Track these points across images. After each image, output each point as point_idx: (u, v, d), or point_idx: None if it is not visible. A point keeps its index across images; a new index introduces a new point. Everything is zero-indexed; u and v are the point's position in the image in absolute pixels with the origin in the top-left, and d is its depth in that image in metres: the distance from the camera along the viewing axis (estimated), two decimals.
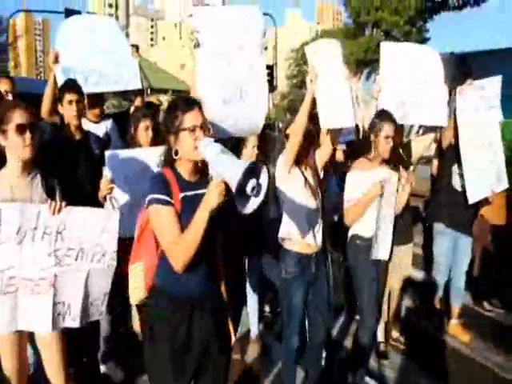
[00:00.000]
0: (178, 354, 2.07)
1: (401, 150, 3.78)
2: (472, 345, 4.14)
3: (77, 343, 3.49)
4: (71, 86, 3.29)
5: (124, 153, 3.27)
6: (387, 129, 3.18)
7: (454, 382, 3.57)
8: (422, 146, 3.81)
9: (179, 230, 1.95)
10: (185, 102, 2.06)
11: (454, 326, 4.30)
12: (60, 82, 3.63)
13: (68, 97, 3.20)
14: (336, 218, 3.61)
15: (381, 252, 3.23)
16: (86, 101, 3.42)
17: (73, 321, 2.35)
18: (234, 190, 1.71)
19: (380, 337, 3.95)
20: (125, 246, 3.21)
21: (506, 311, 4.76)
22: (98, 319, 3.30)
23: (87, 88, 3.63)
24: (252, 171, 1.77)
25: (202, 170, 2.10)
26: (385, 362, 3.79)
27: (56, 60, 3.70)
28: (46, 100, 3.63)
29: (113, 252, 2.40)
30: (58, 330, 2.41)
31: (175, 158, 2.04)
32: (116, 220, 2.41)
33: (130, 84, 3.97)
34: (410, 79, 3.61)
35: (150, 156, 3.24)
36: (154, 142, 3.40)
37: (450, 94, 4.20)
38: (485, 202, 4.19)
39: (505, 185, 4.06)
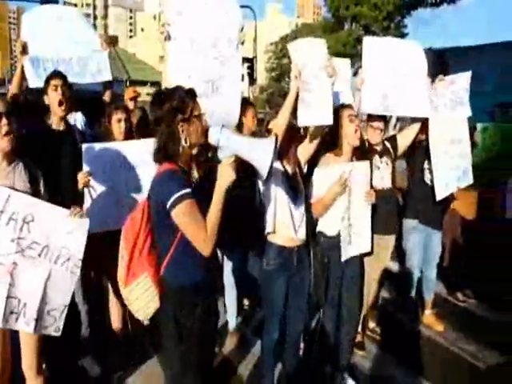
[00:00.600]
0: (206, 348, 2.24)
1: (387, 143, 3.81)
2: (446, 335, 4.23)
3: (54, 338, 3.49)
4: (54, 72, 3.29)
5: (101, 145, 3.25)
6: (349, 111, 3.16)
7: (429, 371, 3.64)
8: (407, 139, 3.82)
9: (204, 219, 2.03)
10: (190, 90, 2.13)
11: (427, 316, 4.39)
12: (28, 72, 3.57)
13: (53, 82, 3.18)
14: None
15: (356, 249, 3.23)
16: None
17: (26, 324, 2.25)
18: (266, 164, 1.91)
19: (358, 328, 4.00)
20: (101, 241, 3.23)
21: (478, 301, 4.88)
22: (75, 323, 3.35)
23: None
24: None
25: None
26: (360, 353, 3.84)
27: (24, 50, 3.63)
28: (13, 90, 3.58)
29: (78, 259, 2.31)
30: (8, 328, 2.34)
31: (185, 145, 2.07)
32: (85, 228, 2.33)
33: (99, 76, 3.92)
34: (392, 72, 3.63)
35: (126, 148, 3.24)
36: (127, 133, 3.42)
37: None
38: (452, 197, 4.25)
39: (469, 180, 4.10)
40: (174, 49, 2.89)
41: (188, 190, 1.99)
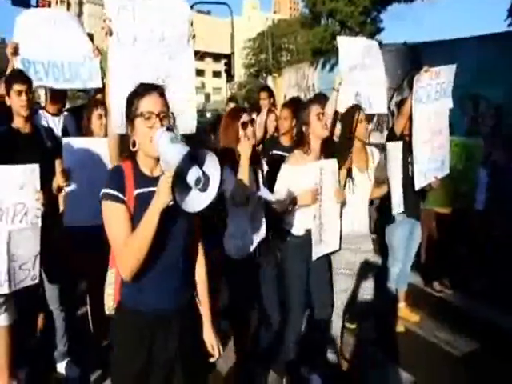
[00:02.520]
0: (137, 380, 1.86)
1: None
2: (422, 324, 4.32)
3: (31, 342, 3.46)
4: (18, 75, 3.19)
5: (81, 141, 3.27)
6: (317, 109, 3.14)
7: (405, 360, 3.72)
8: None
9: (128, 232, 1.75)
10: (143, 86, 1.87)
11: (402, 308, 4.43)
12: None
13: (16, 87, 3.08)
14: None
15: (326, 247, 3.20)
16: (42, 91, 3.37)
17: (0, 287, 2.25)
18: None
19: None
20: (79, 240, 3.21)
21: (453, 291, 5.01)
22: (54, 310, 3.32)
23: (48, 82, 3.64)
24: (198, 160, 1.57)
25: None
26: None
27: (15, 52, 3.60)
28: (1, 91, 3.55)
29: (35, 209, 2.30)
30: None
31: (133, 149, 1.84)
32: (36, 174, 2.31)
33: (90, 82, 3.90)
34: (362, 70, 3.75)
35: (105, 144, 3.21)
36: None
37: (402, 83, 4.31)
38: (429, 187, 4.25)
39: (447, 170, 4.17)
40: (114, 46, 2.63)
41: (113, 192, 1.77)
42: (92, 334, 3.73)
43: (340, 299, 3.41)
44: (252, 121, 2.93)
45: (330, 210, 3.18)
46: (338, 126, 3.67)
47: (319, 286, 3.26)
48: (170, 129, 1.76)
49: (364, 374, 3.48)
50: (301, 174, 3.05)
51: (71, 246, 3.26)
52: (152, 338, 1.84)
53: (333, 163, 3.19)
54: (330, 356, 3.47)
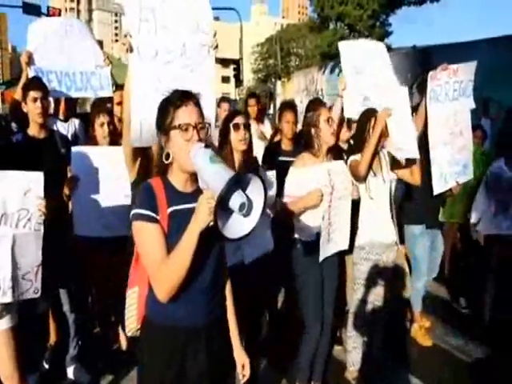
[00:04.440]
0: None
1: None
2: (433, 329, 4.25)
3: (42, 348, 3.47)
4: (35, 83, 3.24)
5: (89, 150, 3.26)
6: (326, 114, 3.10)
7: (415, 365, 3.71)
8: None
9: (164, 252, 1.66)
10: (180, 94, 1.75)
11: (415, 330, 4.19)
12: None
13: (32, 94, 3.12)
14: None
15: (334, 246, 3.11)
16: (51, 99, 3.44)
17: (3, 295, 2.23)
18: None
19: None
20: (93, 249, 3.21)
21: (464, 297, 4.89)
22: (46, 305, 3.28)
23: (61, 92, 3.76)
24: (243, 183, 1.48)
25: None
26: (338, 348, 3.84)
27: (29, 60, 3.65)
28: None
29: (39, 216, 2.31)
30: None
31: (166, 162, 1.73)
32: (40, 180, 2.32)
33: (101, 91, 3.96)
34: (369, 74, 3.62)
35: (114, 154, 3.14)
36: (112, 137, 3.39)
37: (412, 87, 4.23)
38: (449, 192, 3.99)
39: (470, 175, 3.94)
40: (135, 61, 2.57)
41: (145, 212, 1.68)
42: (101, 340, 3.75)
43: (354, 307, 3.39)
44: (248, 125, 2.88)
45: (339, 210, 3.12)
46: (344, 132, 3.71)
47: (329, 294, 3.19)
48: (207, 145, 1.65)
49: (373, 380, 3.43)
50: (309, 177, 3.00)
51: (83, 251, 3.29)
52: (183, 352, 1.78)
53: (341, 164, 3.17)
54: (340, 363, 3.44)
